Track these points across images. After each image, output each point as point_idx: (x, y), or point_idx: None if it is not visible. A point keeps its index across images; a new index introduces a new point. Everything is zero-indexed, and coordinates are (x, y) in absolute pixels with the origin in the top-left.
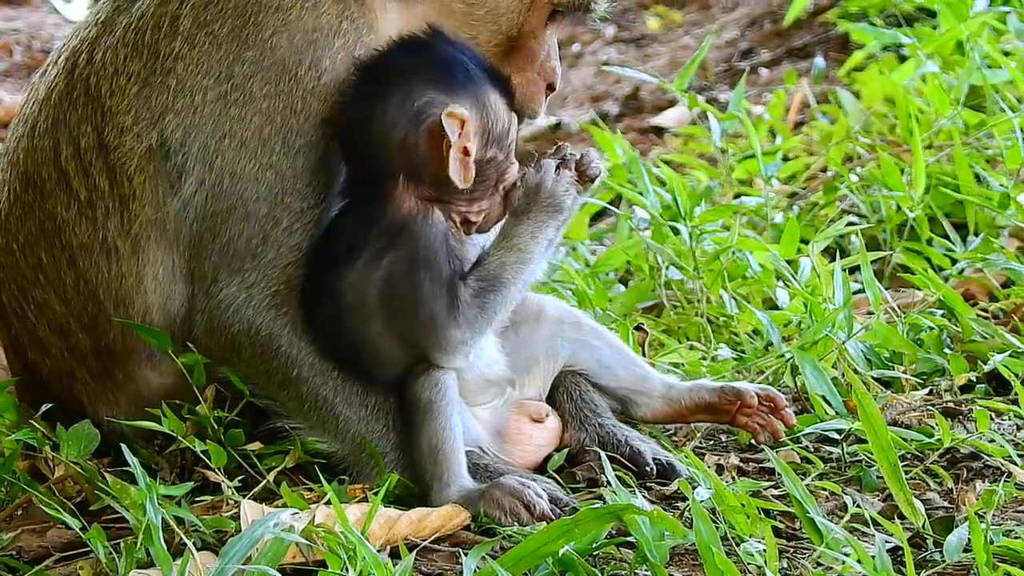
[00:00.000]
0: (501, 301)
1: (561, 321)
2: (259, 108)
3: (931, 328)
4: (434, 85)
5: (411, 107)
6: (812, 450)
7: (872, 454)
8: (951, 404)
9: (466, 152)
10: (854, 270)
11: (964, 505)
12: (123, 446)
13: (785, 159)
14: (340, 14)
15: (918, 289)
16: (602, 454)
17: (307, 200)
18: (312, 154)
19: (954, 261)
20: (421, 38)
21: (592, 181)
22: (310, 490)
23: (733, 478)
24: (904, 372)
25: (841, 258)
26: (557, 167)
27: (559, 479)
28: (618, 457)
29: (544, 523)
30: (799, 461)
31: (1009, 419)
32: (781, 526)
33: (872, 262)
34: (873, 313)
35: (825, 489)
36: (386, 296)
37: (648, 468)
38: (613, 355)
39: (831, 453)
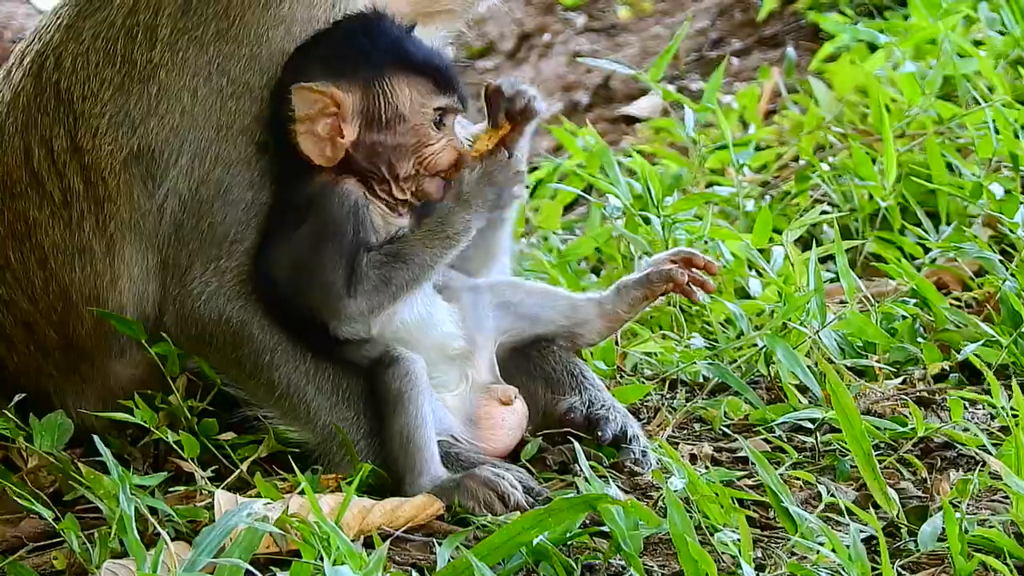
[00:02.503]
0: (407, 278)
1: (477, 290)
2: (259, 96)
3: (904, 317)
4: (322, 64)
5: (288, 82)
6: (786, 439)
7: (846, 443)
8: (924, 393)
9: (339, 131)
10: (827, 259)
11: (938, 494)
12: (95, 437)
13: (757, 148)
14: (333, 5)
15: (891, 278)
16: (576, 444)
17: None
18: None
19: (927, 250)
20: (356, 18)
21: (532, 119)
22: (284, 480)
23: (707, 467)
24: (877, 361)
25: (814, 247)
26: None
27: (530, 467)
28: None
29: (518, 513)
30: (772, 450)
31: (982, 408)
32: (755, 516)
33: (845, 251)
34: (846, 302)
35: (799, 479)
36: (294, 268)
37: (601, 435)
38: (535, 302)
39: (805, 442)
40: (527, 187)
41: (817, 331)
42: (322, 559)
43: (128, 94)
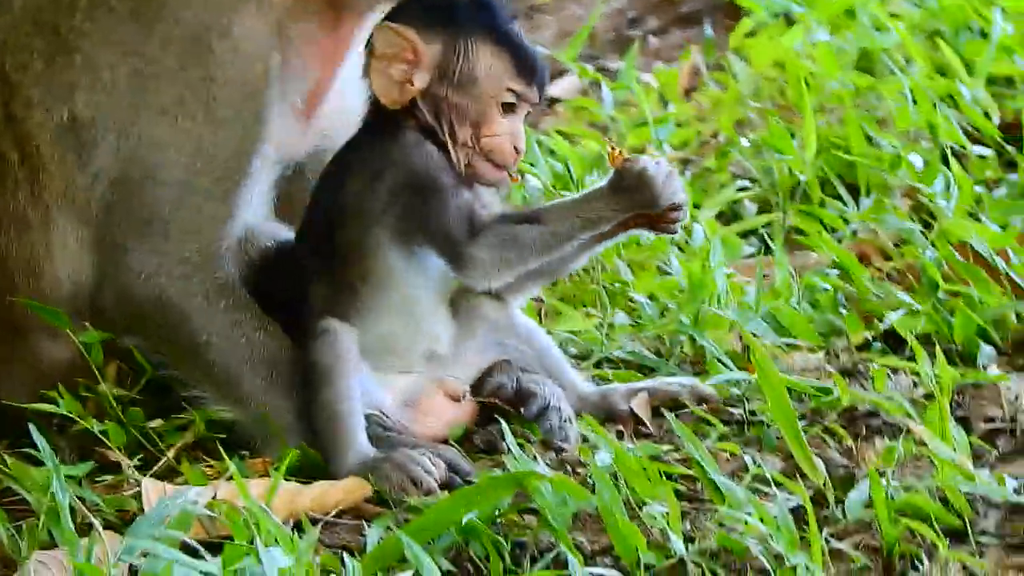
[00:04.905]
0: (535, 240)
1: (497, 323)
2: (177, 77)
3: (826, 289)
4: (417, 9)
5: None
6: (711, 412)
7: (771, 415)
8: (848, 364)
9: (411, 78)
10: (749, 234)
11: (864, 462)
12: (32, 428)
13: (678, 125)
14: None
15: (812, 251)
16: (503, 422)
17: (228, 169)
18: (236, 124)
19: (847, 222)
20: None
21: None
22: (211, 466)
23: (633, 442)
24: (799, 339)
25: (734, 222)
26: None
27: (457, 447)
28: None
29: (433, 499)
30: (698, 423)
31: (906, 376)
32: (683, 488)
33: (764, 226)
34: (768, 276)
35: (725, 450)
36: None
37: (526, 411)
38: (537, 361)
39: (731, 414)
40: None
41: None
42: (255, 541)
43: (56, 65)
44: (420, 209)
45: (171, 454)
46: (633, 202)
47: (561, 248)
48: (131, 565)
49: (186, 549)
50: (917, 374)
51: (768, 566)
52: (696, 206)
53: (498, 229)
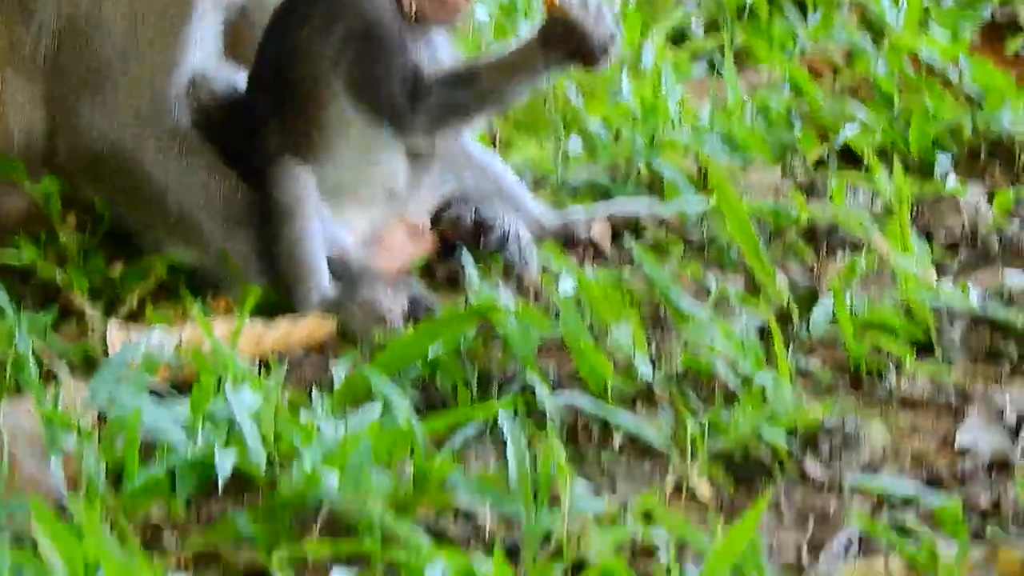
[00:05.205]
0: (474, 101)
1: (454, 155)
2: None
3: (779, 107)
4: None
5: None
6: (671, 235)
7: (732, 235)
8: (805, 180)
9: None
10: (699, 57)
11: (826, 279)
12: None
13: None
14: None
15: (763, 67)
16: (465, 252)
17: (170, 16)
18: None
19: (796, 40)
20: None
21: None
22: (174, 309)
23: (594, 268)
24: (755, 157)
25: (682, 44)
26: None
27: (419, 280)
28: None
29: (397, 333)
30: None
31: (864, 191)
32: (647, 312)
33: (714, 47)
34: (720, 96)
35: (687, 273)
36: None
37: (486, 241)
38: (496, 192)
39: (690, 237)
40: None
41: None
42: (224, 381)
43: None
44: (366, 68)
45: (134, 299)
46: (566, 52)
47: (499, 104)
48: (102, 414)
49: (153, 395)
50: (875, 188)
51: (735, 386)
52: (645, 30)
53: (438, 94)
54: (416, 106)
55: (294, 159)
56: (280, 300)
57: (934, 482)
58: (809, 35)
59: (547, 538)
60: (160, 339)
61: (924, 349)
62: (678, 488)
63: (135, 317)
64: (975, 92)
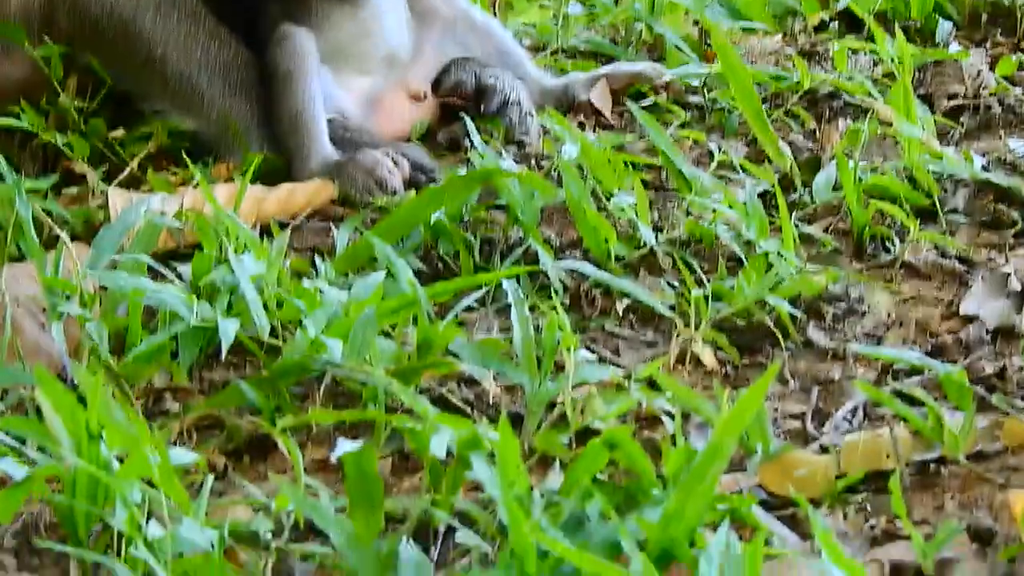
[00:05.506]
0: None
1: (454, 20)
2: None
3: None
4: None
5: None
6: (672, 99)
7: (734, 100)
8: (807, 46)
9: None
10: None
11: (829, 145)
12: None
13: None
14: None
15: None
16: (466, 119)
17: None
18: None
19: None
20: None
21: None
22: (175, 175)
23: (596, 133)
24: (756, 22)
25: None
26: None
27: (421, 145)
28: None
29: (399, 198)
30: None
31: (865, 56)
32: (649, 179)
33: None
34: None
35: (689, 138)
36: None
37: (486, 106)
38: (497, 56)
39: (692, 102)
40: None
41: None
42: (227, 247)
43: None
44: None
45: (135, 163)
46: None
47: None
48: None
49: (155, 260)
50: (877, 53)
51: (739, 252)
52: None
53: None
54: None
55: (294, 24)
56: (280, 165)
57: (938, 350)
58: None
59: (551, 406)
60: (160, 203)
61: (928, 216)
62: (682, 356)
63: (136, 182)
64: None
